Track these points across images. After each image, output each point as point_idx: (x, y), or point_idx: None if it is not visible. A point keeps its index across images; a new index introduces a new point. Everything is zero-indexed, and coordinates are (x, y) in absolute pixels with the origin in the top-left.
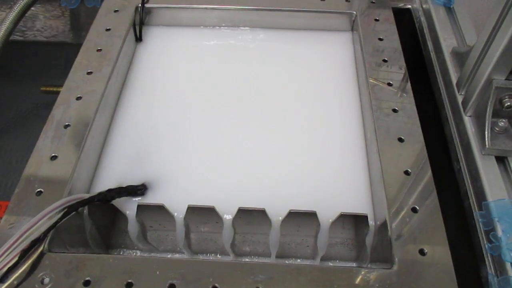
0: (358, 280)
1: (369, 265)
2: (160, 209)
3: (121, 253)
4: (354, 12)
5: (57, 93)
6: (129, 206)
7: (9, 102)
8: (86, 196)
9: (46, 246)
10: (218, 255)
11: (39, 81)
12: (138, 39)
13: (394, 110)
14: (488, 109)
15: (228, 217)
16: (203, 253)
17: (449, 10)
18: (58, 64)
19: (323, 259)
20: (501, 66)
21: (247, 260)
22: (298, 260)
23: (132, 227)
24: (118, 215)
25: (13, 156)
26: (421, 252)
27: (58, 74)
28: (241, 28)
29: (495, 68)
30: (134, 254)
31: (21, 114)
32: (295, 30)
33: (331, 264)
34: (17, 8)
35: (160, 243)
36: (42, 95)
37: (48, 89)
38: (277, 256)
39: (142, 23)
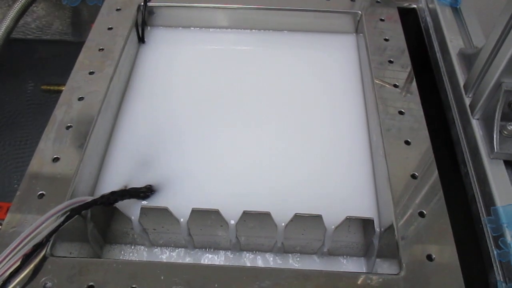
0: (365, 286)
1: (376, 267)
2: (164, 212)
3: (121, 253)
4: (359, 12)
5: (58, 92)
6: (133, 208)
7: (9, 100)
8: (89, 199)
9: (48, 250)
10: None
11: (40, 79)
12: (141, 40)
13: (400, 112)
14: (497, 112)
15: (232, 220)
16: (205, 248)
17: (456, 10)
18: (59, 63)
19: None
20: (511, 69)
21: (252, 265)
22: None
23: (136, 229)
24: (120, 217)
25: (13, 156)
26: (429, 257)
27: (59, 73)
28: (245, 30)
29: (504, 71)
30: (135, 250)
31: (22, 113)
32: (299, 33)
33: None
34: (17, 6)
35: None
36: (43, 94)
37: (48, 88)
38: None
39: (144, 23)
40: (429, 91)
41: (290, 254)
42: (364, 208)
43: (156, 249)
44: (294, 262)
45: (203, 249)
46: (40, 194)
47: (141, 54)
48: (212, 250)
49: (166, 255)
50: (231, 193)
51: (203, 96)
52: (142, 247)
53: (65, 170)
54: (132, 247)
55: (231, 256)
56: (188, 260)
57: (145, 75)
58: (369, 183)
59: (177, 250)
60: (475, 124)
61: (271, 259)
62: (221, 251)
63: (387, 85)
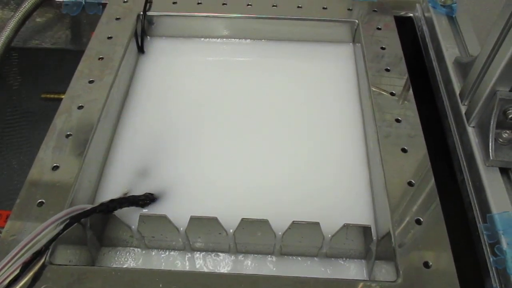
0: None
1: (373, 274)
2: (163, 220)
3: (117, 254)
4: (356, 21)
5: (58, 100)
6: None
7: (9, 109)
8: (88, 207)
9: (47, 258)
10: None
11: (40, 88)
12: (141, 49)
13: (397, 120)
14: (492, 120)
15: (231, 227)
16: (203, 251)
17: (451, 19)
18: (59, 71)
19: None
20: (505, 77)
21: (251, 267)
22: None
23: (135, 236)
24: (119, 225)
25: (12, 164)
26: (426, 264)
27: (59, 81)
28: (244, 40)
29: (499, 79)
30: (132, 252)
31: (21, 121)
32: (297, 42)
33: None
34: (17, 16)
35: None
36: (43, 102)
37: (48, 96)
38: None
39: (144, 32)
40: (426, 99)
41: (289, 256)
42: (361, 215)
43: (153, 252)
44: (293, 263)
45: (200, 254)
46: (40, 202)
47: (140, 64)
48: (209, 255)
49: (162, 258)
50: (230, 201)
51: (202, 105)
52: (139, 250)
53: (65, 178)
54: (129, 249)
55: (229, 261)
56: (184, 263)
57: (144, 85)
58: (366, 191)
59: (173, 253)
60: (471, 131)
61: (271, 260)
62: (220, 256)
63: (384, 93)
